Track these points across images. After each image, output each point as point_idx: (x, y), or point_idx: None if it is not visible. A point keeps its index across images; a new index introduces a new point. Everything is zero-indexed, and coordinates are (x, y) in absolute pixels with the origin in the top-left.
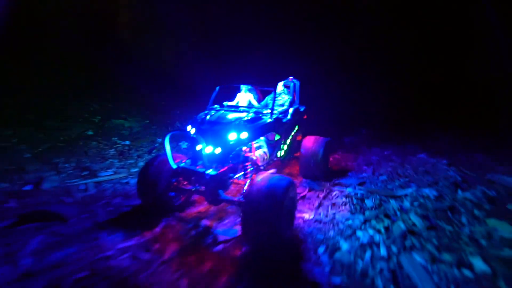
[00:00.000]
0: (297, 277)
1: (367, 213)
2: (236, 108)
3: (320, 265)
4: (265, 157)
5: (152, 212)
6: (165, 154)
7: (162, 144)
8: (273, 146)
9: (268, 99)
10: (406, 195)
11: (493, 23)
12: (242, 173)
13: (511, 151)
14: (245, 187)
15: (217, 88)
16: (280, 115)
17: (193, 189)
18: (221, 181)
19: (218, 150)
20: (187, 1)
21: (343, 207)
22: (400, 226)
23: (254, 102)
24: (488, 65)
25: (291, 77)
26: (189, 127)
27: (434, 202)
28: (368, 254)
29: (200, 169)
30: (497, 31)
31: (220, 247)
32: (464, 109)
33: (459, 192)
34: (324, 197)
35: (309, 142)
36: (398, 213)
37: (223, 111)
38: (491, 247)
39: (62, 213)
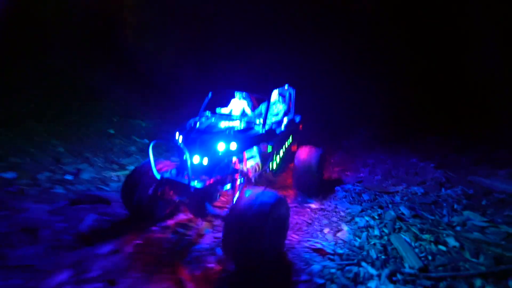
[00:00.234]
0: None
1: (364, 204)
2: (228, 116)
3: (326, 240)
4: (257, 169)
5: (136, 221)
6: (149, 162)
7: (147, 152)
8: (265, 158)
9: (262, 107)
10: (397, 192)
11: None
12: (230, 184)
13: (497, 155)
14: (234, 200)
15: (210, 93)
16: (273, 126)
17: (177, 200)
18: (207, 193)
19: (206, 161)
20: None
21: (344, 199)
22: (391, 213)
23: (248, 110)
24: (485, 67)
25: (286, 86)
26: (177, 135)
27: (421, 197)
28: (364, 234)
29: (185, 180)
30: (488, 37)
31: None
32: (457, 114)
33: (443, 190)
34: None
35: (303, 153)
36: (390, 205)
37: (214, 119)
38: (463, 231)
39: (105, 198)
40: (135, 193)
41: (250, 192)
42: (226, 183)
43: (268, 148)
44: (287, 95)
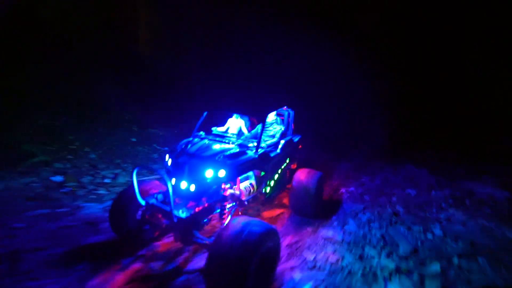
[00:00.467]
0: None
1: (365, 203)
2: (222, 138)
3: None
4: (252, 190)
5: (125, 245)
6: (133, 188)
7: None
8: (260, 180)
9: (259, 128)
10: (394, 193)
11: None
12: (219, 211)
13: (485, 163)
14: (224, 226)
15: (205, 113)
16: (268, 149)
17: (164, 226)
18: (194, 221)
19: (193, 187)
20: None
21: (348, 200)
22: (388, 211)
23: (245, 130)
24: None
25: (285, 107)
26: (167, 157)
27: (414, 198)
28: (366, 227)
29: (170, 207)
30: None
31: None
32: (455, 127)
33: (433, 192)
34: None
35: (302, 175)
36: (387, 204)
37: (206, 141)
38: (448, 224)
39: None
40: (123, 217)
41: (238, 221)
42: (215, 210)
43: (261, 173)
44: (286, 115)
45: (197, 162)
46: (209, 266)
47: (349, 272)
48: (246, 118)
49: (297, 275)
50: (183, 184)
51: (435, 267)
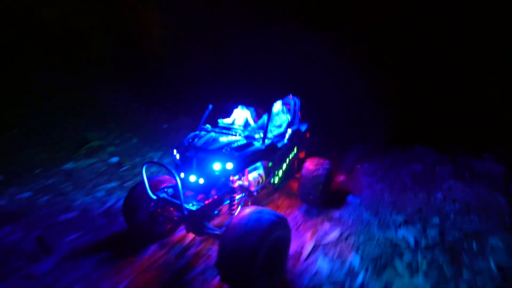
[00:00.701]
0: None
1: (377, 177)
2: (228, 130)
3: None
4: (260, 180)
5: (139, 237)
6: (143, 182)
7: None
8: (269, 171)
9: (265, 118)
10: (403, 169)
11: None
12: (228, 202)
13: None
14: (234, 216)
15: (210, 106)
16: (275, 139)
17: (176, 218)
18: (204, 213)
19: (202, 181)
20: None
21: (363, 175)
22: (397, 182)
23: (251, 121)
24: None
25: (290, 95)
26: (174, 152)
27: (420, 172)
28: (379, 195)
29: (179, 202)
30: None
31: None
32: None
33: (437, 167)
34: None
35: (311, 165)
36: (397, 177)
37: (213, 134)
38: (448, 192)
39: None
40: (135, 212)
41: (248, 211)
42: (224, 201)
43: (269, 164)
44: (292, 104)
45: (204, 156)
46: (221, 257)
47: (368, 223)
48: (252, 109)
49: (326, 225)
50: (192, 178)
51: (435, 220)
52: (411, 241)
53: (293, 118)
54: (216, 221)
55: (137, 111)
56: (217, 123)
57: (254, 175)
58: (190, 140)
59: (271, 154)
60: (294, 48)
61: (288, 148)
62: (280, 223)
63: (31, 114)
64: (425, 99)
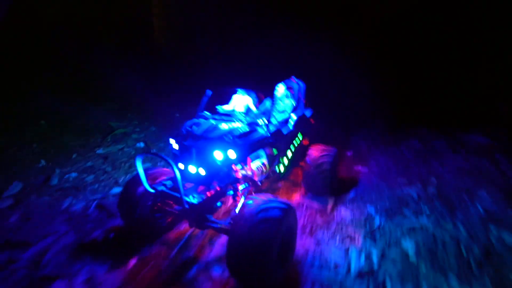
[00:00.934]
0: None
1: (382, 151)
2: (228, 117)
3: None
4: (264, 170)
5: (135, 235)
6: (139, 176)
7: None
8: (272, 159)
9: (267, 103)
10: (403, 144)
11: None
12: (232, 193)
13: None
14: (237, 209)
15: (209, 92)
16: (279, 125)
17: (177, 212)
18: (206, 205)
19: (202, 171)
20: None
21: (369, 150)
22: (398, 155)
23: (253, 107)
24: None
25: (294, 78)
26: (172, 141)
27: (418, 147)
28: (384, 165)
29: (179, 194)
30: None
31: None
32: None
33: (433, 142)
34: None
35: (316, 152)
36: (398, 151)
37: (213, 121)
38: (443, 160)
39: None
40: (133, 207)
41: (256, 201)
42: (227, 192)
43: (273, 151)
44: (296, 88)
45: (205, 144)
46: (231, 251)
47: (377, 185)
48: (253, 94)
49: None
50: (192, 168)
51: (433, 180)
52: (415, 195)
53: (297, 103)
54: (220, 212)
55: (151, 101)
56: (216, 110)
57: (257, 164)
58: (189, 128)
59: (276, 141)
60: (295, 41)
61: (293, 135)
62: (289, 210)
63: (56, 106)
64: (424, 84)
